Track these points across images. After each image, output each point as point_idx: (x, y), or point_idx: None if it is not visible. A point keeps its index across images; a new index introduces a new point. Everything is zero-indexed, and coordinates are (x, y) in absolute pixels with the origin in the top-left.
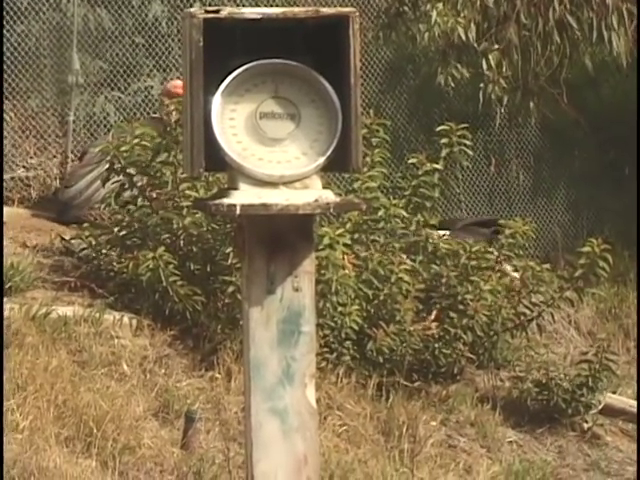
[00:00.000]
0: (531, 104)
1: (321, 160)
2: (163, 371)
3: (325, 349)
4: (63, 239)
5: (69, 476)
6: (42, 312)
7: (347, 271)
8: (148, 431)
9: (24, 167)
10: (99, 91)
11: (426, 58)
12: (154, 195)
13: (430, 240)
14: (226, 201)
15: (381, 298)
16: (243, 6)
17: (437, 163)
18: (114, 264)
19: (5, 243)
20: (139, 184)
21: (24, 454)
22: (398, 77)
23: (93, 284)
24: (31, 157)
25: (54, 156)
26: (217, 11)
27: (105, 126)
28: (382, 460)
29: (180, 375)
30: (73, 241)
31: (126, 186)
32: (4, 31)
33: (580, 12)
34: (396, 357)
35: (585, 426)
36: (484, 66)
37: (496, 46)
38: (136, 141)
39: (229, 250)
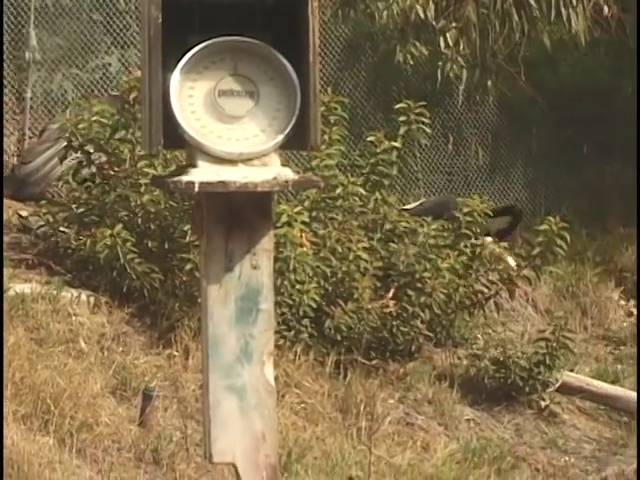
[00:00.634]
0: (489, 82)
1: (280, 138)
2: (121, 348)
3: (283, 327)
4: (20, 216)
5: (26, 453)
6: None
7: (305, 249)
8: (106, 409)
9: None
10: (57, 68)
11: (384, 36)
12: (112, 172)
13: (388, 218)
14: (184, 178)
15: (339, 276)
16: None
17: (395, 141)
18: (72, 241)
19: None
20: (97, 161)
21: None
22: (356, 55)
23: (51, 261)
24: None
25: (11, 133)
26: None
27: (63, 103)
28: (340, 438)
29: (138, 352)
30: (30, 218)
31: (84, 163)
32: None
33: None
34: (354, 335)
35: (542, 404)
36: (442, 44)
37: (454, 24)
38: (94, 118)
39: (187, 228)
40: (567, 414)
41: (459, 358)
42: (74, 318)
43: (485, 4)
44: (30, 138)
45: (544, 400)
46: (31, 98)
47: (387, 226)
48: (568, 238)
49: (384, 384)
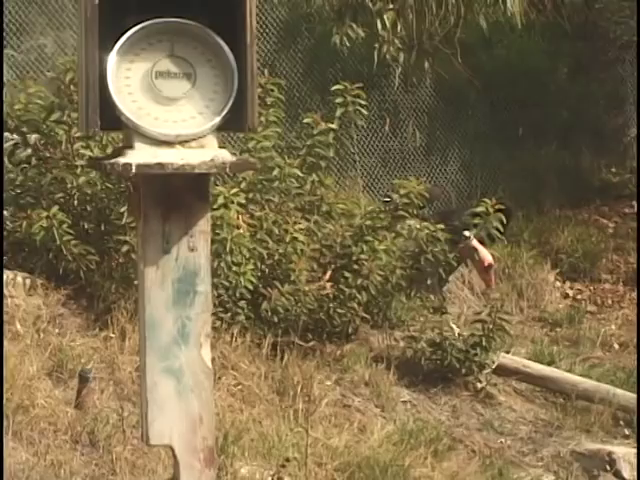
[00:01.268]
0: (426, 64)
1: (217, 119)
2: (57, 330)
3: (220, 309)
4: None
5: None
6: None
7: (242, 231)
8: (42, 391)
9: None
10: None
11: (321, 18)
12: (48, 154)
13: (325, 200)
14: (121, 160)
15: (276, 258)
16: None
17: (332, 123)
18: (7, 223)
19: None
20: (33, 143)
21: None
22: (293, 37)
23: None
24: None
25: None
26: None
27: None
28: (277, 420)
29: (74, 334)
30: None
31: (19, 145)
32: None
33: None
34: (291, 317)
35: (478, 386)
36: (379, 26)
37: (391, 6)
38: (29, 100)
39: (123, 209)
40: (503, 396)
41: (396, 340)
42: (10, 300)
43: None
44: None
45: (480, 382)
46: None
47: (324, 208)
48: (504, 220)
49: (321, 366)
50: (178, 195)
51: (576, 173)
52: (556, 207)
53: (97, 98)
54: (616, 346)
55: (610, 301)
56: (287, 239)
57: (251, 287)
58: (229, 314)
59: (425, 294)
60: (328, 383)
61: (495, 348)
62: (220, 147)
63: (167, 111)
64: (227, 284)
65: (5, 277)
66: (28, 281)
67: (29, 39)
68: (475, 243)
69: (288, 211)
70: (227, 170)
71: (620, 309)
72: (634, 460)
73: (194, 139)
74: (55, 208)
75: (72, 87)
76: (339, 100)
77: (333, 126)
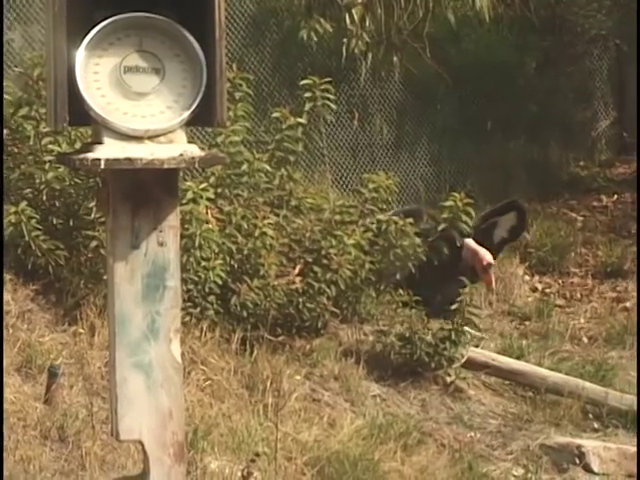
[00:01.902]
0: (394, 58)
1: (186, 114)
2: (26, 326)
3: (189, 304)
4: None
5: None
6: None
7: (211, 225)
8: (11, 386)
9: None
10: None
11: (289, 12)
12: (16, 150)
13: (294, 194)
14: (90, 155)
15: (245, 252)
16: None
17: (300, 117)
18: None
19: None
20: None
21: None
22: (261, 31)
23: None
24: None
25: None
26: None
27: None
28: (246, 414)
29: (43, 330)
30: None
31: None
32: None
33: None
34: (260, 311)
35: (448, 380)
36: (347, 20)
37: (359, 0)
38: None
39: (92, 205)
40: (473, 389)
41: (365, 334)
42: None
43: None
44: None
45: (450, 376)
46: None
47: (293, 202)
48: (473, 214)
49: (290, 360)
50: (147, 190)
51: (544, 167)
52: (525, 201)
53: (66, 93)
54: (585, 340)
55: (579, 295)
56: (256, 234)
57: (220, 282)
58: (198, 309)
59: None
60: (297, 377)
61: (464, 342)
62: (189, 142)
63: (136, 106)
64: (196, 279)
65: None
66: None
67: None
68: (473, 245)
69: (257, 206)
70: (196, 165)
71: (589, 302)
72: (603, 453)
73: (163, 134)
74: (23, 204)
75: (40, 82)
76: (308, 94)
77: (302, 120)
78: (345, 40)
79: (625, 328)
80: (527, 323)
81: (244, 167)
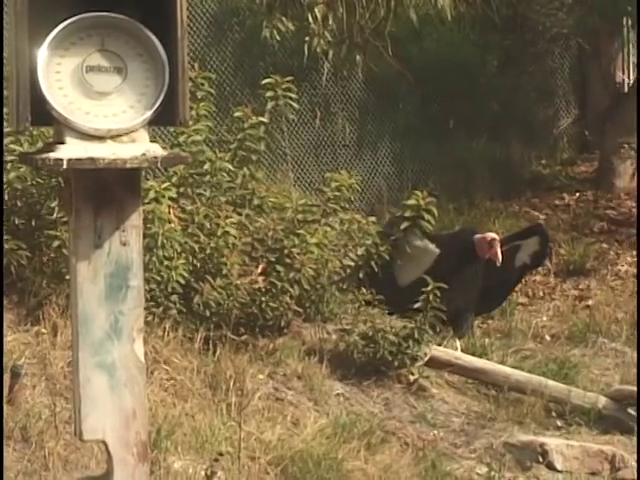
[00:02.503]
0: (357, 57)
1: (148, 114)
2: None
3: (151, 303)
4: None
5: None
6: None
7: (173, 225)
8: None
9: None
10: None
11: (251, 11)
12: None
13: (256, 193)
14: (52, 155)
15: (207, 252)
16: None
17: (263, 116)
18: None
19: None
20: None
21: None
22: (223, 30)
23: None
24: None
25: None
26: None
27: None
28: (210, 414)
29: (5, 330)
30: None
31: None
32: None
33: None
34: (223, 311)
35: (411, 378)
36: (310, 19)
37: None
38: None
39: (54, 204)
40: (436, 388)
41: (328, 333)
42: None
43: None
44: None
45: (413, 374)
46: None
47: (255, 201)
48: (435, 212)
49: (253, 360)
50: (110, 190)
51: (507, 165)
52: (487, 199)
53: (28, 93)
54: (547, 338)
55: (541, 293)
56: (219, 233)
57: (183, 281)
58: (161, 308)
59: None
60: (261, 377)
61: (427, 340)
62: (151, 141)
63: (98, 105)
64: (159, 278)
65: None
66: None
67: None
68: (479, 235)
69: (219, 205)
70: (159, 164)
71: (551, 301)
72: (566, 451)
73: (126, 133)
74: None
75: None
76: (270, 94)
77: (264, 120)
78: (307, 39)
79: (587, 326)
80: (490, 321)
81: (206, 166)
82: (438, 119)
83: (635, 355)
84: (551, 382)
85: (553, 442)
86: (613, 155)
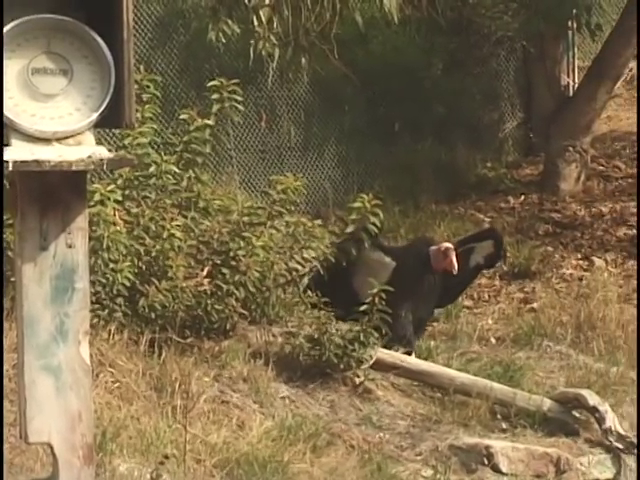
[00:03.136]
0: (302, 60)
1: (94, 116)
2: None
3: (97, 306)
4: None
5: None
6: None
7: (118, 227)
8: None
9: None
10: None
11: (196, 14)
12: None
13: (202, 196)
14: None
15: (153, 254)
16: None
17: (208, 119)
18: None
19: None
20: None
21: None
22: (168, 33)
23: None
24: None
25: None
26: None
27: None
28: (155, 416)
29: None
30: None
31: None
32: None
33: None
34: (168, 313)
35: (357, 381)
36: (255, 22)
37: (267, 2)
38: None
39: None
40: (381, 390)
41: (274, 336)
42: None
43: None
44: None
45: (358, 377)
46: None
47: (201, 204)
48: (381, 215)
49: (199, 362)
50: (55, 192)
51: (452, 168)
52: (432, 202)
53: None
54: (493, 340)
55: (487, 295)
56: (164, 236)
57: (128, 284)
58: (106, 311)
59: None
60: (206, 379)
61: (373, 343)
62: (97, 144)
63: (44, 108)
64: (104, 281)
65: None
66: None
67: None
68: (435, 247)
69: (165, 208)
70: (105, 167)
71: (497, 303)
72: (511, 454)
73: (72, 136)
74: None
75: None
76: (215, 96)
77: (209, 122)
78: (252, 42)
79: (533, 329)
80: (435, 324)
81: (152, 169)
82: (384, 122)
83: (580, 358)
84: (496, 385)
85: (498, 445)
86: (558, 158)
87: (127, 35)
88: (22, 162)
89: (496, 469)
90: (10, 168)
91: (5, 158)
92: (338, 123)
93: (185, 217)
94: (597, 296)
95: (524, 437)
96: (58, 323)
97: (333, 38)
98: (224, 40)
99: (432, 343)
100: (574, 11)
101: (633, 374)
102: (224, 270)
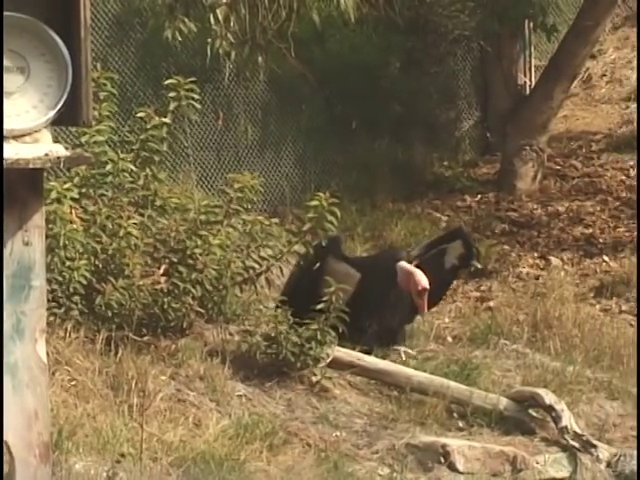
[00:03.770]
0: (259, 59)
1: (51, 114)
2: None
3: (53, 304)
4: None
5: None
6: None
7: (75, 225)
8: None
9: None
10: None
11: (153, 12)
12: None
13: (159, 194)
14: None
15: (110, 252)
16: None
17: (165, 117)
18: None
19: None
20: None
21: None
22: (125, 31)
23: None
24: None
25: None
26: None
27: None
28: (111, 415)
29: None
30: None
31: None
32: None
33: None
34: (125, 311)
35: (314, 379)
36: (212, 20)
37: (224, 0)
38: None
39: None
40: (338, 389)
41: (231, 334)
42: None
43: None
44: None
45: (315, 375)
46: None
47: (158, 202)
48: (338, 213)
49: (155, 360)
50: (12, 190)
51: (409, 167)
52: (389, 201)
53: None
54: (449, 339)
55: None
56: (121, 234)
57: (85, 282)
58: (63, 309)
59: (260, 288)
60: (163, 378)
61: (330, 342)
62: (54, 141)
63: None
64: (61, 279)
65: None
66: None
67: None
68: (408, 267)
69: (122, 206)
70: (62, 165)
71: (453, 302)
72: (468, 452)
73: (28, 133)
74: None
75: None
76: (172, 94)
77: (166, 120)
78: (209, 40)
79: (489, 327)
80: None
81: (109, 167)
82: (341, 121)
83: (537, 356)
84: (453, 383)
85: (455, 443)
86: (514, 157)
87: (84, 33)
88: None
89: (452, 468)
90: None
91: None
92: (295, 122)
93: (142, 215)
94: (553, 295)
95: (480, 436)
96: (14, 321)
97: (290, 37)
98: (180, 38)
99: None
100: (530, 11)
101: (589, 373)
102: (181, 268)
